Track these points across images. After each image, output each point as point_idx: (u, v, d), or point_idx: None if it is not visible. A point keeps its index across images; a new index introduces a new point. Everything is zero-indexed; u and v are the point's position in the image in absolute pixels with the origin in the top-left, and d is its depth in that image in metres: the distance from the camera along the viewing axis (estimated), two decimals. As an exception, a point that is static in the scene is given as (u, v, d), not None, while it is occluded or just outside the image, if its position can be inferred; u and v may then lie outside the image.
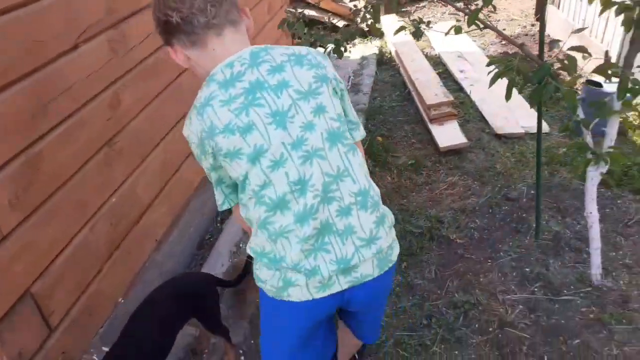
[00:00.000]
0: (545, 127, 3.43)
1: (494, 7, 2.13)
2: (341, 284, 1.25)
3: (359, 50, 5.03)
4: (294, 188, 1.18)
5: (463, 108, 3.80)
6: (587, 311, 2.15)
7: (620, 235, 2.49)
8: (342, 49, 2.49)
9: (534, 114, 2.43)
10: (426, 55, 4.58)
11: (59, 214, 1.74)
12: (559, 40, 4.53)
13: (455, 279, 2.40)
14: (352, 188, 1.23)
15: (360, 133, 1.36)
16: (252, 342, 2.14)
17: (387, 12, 5.99)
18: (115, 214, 2.07)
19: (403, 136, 3.61)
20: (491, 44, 5.00)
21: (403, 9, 6.06)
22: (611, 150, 1.90)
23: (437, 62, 4.57)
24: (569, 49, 1.80)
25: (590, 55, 1.76)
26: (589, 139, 1.94)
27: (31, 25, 1.59)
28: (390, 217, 1.35)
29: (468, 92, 3.96)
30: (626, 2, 1.63)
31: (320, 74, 1.23)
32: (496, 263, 2.45)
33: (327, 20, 5.27)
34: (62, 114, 1.73)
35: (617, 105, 1.82)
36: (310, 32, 2.77)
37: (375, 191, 1.29)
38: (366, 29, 5.30)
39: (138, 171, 2.23)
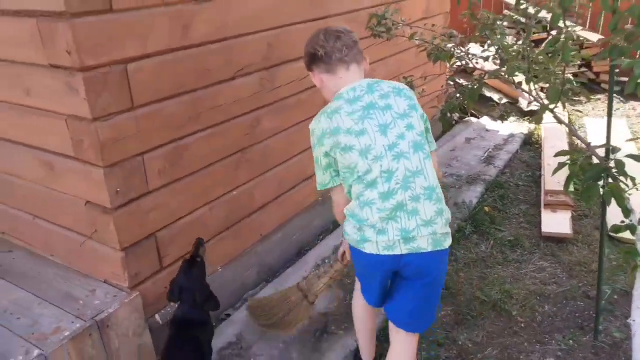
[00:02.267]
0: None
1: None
2: (401, 249, 1.75)
3: (511, 127, 5.16)
4: (383, 175, 1.73)
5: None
6: (614, 420, 2.12)
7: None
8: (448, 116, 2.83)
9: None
10: (571, 144, 4.55)
11: (190, 190, 2.45)
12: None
13: (497, 349, 2.52)
14: (423, 183, 1.76)
15: (433, 146, 1.92)
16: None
17: (576, 96, 5.99)
18: (232, 203, 2.74)
19: (514, 214, 3.72)
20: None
21: (575, 98, 5.97)
22: (660, 262, 1.94)
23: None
24: (625, 156, 1.93)
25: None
26: (639, 245, 2.00)
27: (202, 59, 2.35)
28: (447, 212, 1.84)
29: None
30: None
31: (412, 103, 1.83)
32: (544, 348, 2.51)
33: (494, 97, 5.53)
34: (209, 122, 2.45)
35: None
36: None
37: (440, 190, 1.81)
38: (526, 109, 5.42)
39: (259, 178, 2.88)
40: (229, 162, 2.64)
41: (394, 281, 1.91)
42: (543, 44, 2.05)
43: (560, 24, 1.76)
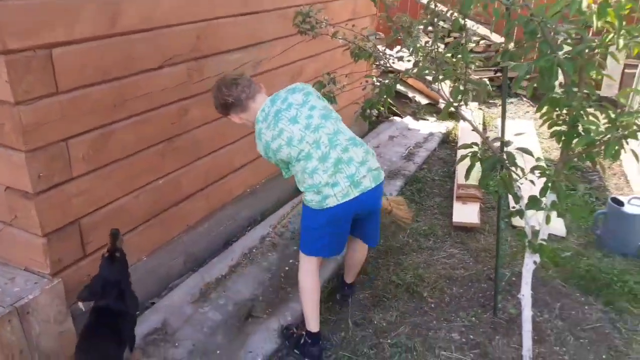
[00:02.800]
0: (563, 231, 3.63)
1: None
2: (354, 192, 2.26)
3: (432, 126, 5.50)
4: (313, 146, 2.25)
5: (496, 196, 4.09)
6: (507, 385, 2.39)
7: (572, 335, 2.67)
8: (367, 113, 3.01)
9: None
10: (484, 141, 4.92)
11: (114, 178, 2.48)
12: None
13: (408, 327, 2.74)
14: (345, 137, 2.32)
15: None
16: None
17: (475, 99, 6.42)
18: (159, 192, 2.78)
19: (430, 205, 4.00)
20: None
21: (491, 101, 6.44)
22: (543, 242, 2.21)
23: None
24: (516, 149, 2.19)
25: (532, 155, 2.13)
26: (527, 228, 2.27)
27: (129, 47, 2.38)
28: (372, 151, 2.42)
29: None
30: (556, 119, 2.01)
31: (306, 92, 2.37)
32: (450, 325, 2.76)
33: (410, 95, 5.85)
34: (136, 110, 2.49)
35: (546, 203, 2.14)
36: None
37: (359, 138, 2.39)
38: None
39: (187, 168, 2.94)
40: (155, 150, 2.68)
41: (357, 223, 2.48)
42: (447, 47, 2.26)
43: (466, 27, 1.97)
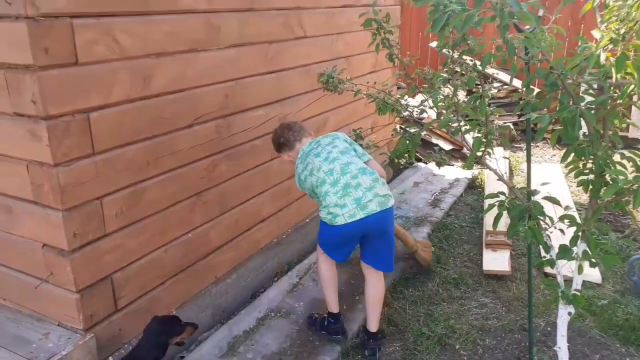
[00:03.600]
0: (598, 277, 3.52)
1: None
2: (360, 214, 2.54)
3: (457, 172, 5.49)
4: (327, 173, 2.61)
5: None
6: None
7: (615, 389, 2.55)
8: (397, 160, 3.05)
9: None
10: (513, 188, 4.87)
11: (146, 233, 2.54)
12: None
13: (441, 381, 2.66)
14: (356, 167, 2.63)
15: (366, 157, 2.78)
16: None
17: (500, 145, 6.41)
18: (188, 245, 2.83)
19: (459, 253, 3.95)
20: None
21: (516, 145, 6.42)
22: (577, 293, 2.16)
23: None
24: (543, 198, 2.17)
25: (559, 204, 2.12)
26: (559, 278, 2.22)
27: (161, 108, 2.50)
28: (382, 180, 2.67)
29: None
30: (582, 168, 2.00)
31: (335, 136, 2.82)
32: (484, 379, 2.67)
33: (434, 141, 5.88)
34: (167, 167, 2.58)
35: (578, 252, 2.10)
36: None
37: (371, 169, 2.68)
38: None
39: (215, 220, 3.00)
40: (185, 205, 2.75)
41: (364, 241, 2.74)
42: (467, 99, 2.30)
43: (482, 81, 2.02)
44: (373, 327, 2.85)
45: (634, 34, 1.74)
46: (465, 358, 2.84)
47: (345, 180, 2.58)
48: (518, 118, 6.80)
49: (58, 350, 2.22)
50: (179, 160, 2.65)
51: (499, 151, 6.04)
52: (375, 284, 2.83)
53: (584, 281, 3.51)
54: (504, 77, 6.90)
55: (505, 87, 6.81)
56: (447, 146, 5.95)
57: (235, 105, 2.95)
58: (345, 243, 2.74)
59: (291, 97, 3.44)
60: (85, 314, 2.31)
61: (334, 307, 2.93)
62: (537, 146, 6.59)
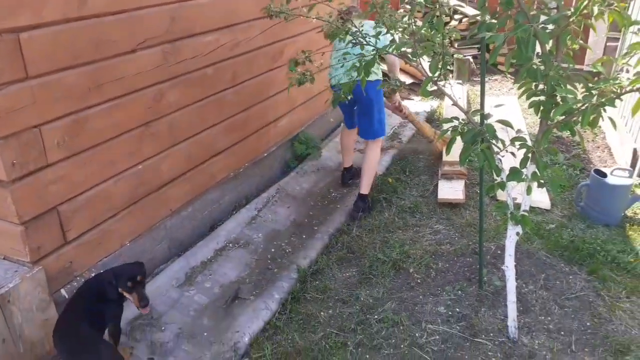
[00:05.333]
0: (547, 204, 3.65)
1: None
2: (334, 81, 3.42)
3: (416, 106, 5.49)
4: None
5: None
6: (492, 355, 2.41)
7: (557, 305, 2.70)
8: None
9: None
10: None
11: (91, 164, 2.44)
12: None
13: (395, 303, 2.76)
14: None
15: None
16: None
17: (458, 77, 6.41)
18: (139, 178, 2.75)
19: (416, 183, 4.00)
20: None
21: (475, 79, 6.43)
22: (525, 214, 2.22)
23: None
24: (496, 121, 2.18)
25: (512, 127, 2.13)
26: (509, 200, 2.27)
27: (102, 30, 2.33)
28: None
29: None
30: (534, 89, 2.00)
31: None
32: (436, 299, 2.78)
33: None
34: (111, 94, 2.44)
35: (527, 174, 2.14)
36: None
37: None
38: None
39: (166, 153, 2.90)
40: (132, 135, 2.64)
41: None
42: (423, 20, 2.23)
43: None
44: (362, 190, 3.58)
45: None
46: (418, 280, 2.93)
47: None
48: (478, 51, 6.78)
49: (5, 283, 2.15)
50: (123, 88, 2.51)
51: (454, 82, 6.05)
52: (366, 152, 3.63)
53: (534, 207, 3.64)
54: (469, 11, 6.79)
55: (466, 19, 6.73)
56: (407, 80, 5.91)
57: (182, 30, 2.78)
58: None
59: (242, 22, 3.27)
60: (31, 246, 2.23)
61: (346, 163, 4.01)
62: (496, 79, 6.63)
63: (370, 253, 3.15)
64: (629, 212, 3.54)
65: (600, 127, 4.84)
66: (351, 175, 3.98)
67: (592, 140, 4.75)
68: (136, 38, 2.52)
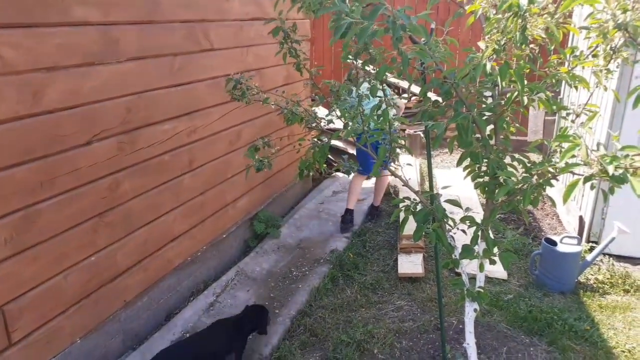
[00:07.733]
0: (503, 274, 3.73)
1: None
2: None
3: (373, 181, 5.62)
4: None
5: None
6: None
7: (520, 379, 2.70)
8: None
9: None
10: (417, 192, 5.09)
11: (42, 258, 2.36)
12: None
13: (360, 387, 2.69)
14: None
15: None
16: None
17: (410, 153, 6.66)
18: (92, 270, 2.67)
19: (376, 258, 4.04)
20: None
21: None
22: (480, 290, 2.27)
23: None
24: (445, 201, 2.27)
25: (460, 206, 2.22)
26: (464, 277, 2.32)
27: (56, 124, 2.35)
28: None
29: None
30: (478, 171, 2.11)
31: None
32: (401, 381, 2.73)
33: (350, 151, 6.00)
34: (64, 187, 2.42)
35: (480, 250, 2.21)
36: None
37: None
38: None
39: (121, 242, 2.85)
40: (86, 227, 2.59)
41: None
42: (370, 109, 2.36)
43: (380, 93, 2.09)
44: (376, 202, 4.79)
45: (512, 45, 1.86)
46: (383, 362, 2.89)
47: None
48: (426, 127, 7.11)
49: (-61, 396, 2.00)
50: (77, 180, 2.50)
51: (408, 159, 6.28)
52: (378, 178, 4.61)
53: (492, 278, 3.72)
54: (415, 88, 7.19)
55: (415, 96, 7.10)
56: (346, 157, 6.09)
57: (139, 120, 2.83)
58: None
59: (201, 109, 3.36)
60: (-28, 352, 2.10)
61: (350, 206, 4.54)
62: (446, 152, 6.92)
63: (333, 335, 3.10)
64: (581, 278, 3.66)
65: (548, 194, 5.07)
66: (352, 217, 4.49)
67: (541, 209, 4.96)
68: (91, 130, 2.54)
